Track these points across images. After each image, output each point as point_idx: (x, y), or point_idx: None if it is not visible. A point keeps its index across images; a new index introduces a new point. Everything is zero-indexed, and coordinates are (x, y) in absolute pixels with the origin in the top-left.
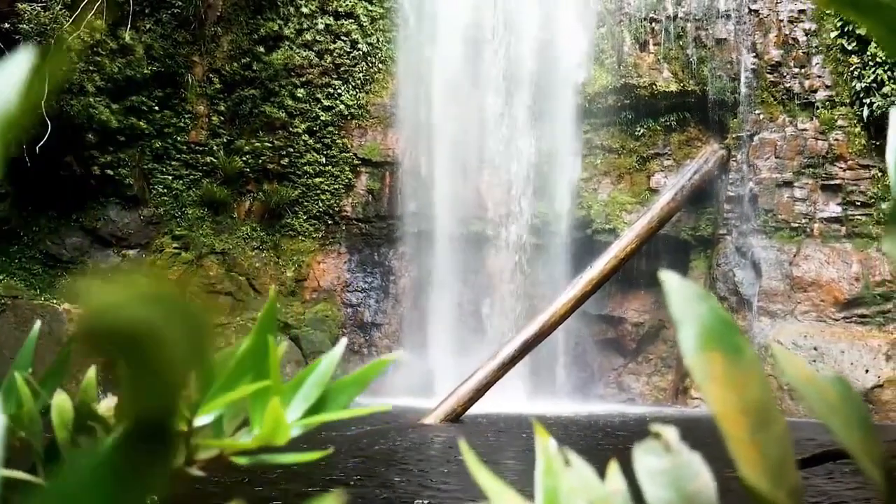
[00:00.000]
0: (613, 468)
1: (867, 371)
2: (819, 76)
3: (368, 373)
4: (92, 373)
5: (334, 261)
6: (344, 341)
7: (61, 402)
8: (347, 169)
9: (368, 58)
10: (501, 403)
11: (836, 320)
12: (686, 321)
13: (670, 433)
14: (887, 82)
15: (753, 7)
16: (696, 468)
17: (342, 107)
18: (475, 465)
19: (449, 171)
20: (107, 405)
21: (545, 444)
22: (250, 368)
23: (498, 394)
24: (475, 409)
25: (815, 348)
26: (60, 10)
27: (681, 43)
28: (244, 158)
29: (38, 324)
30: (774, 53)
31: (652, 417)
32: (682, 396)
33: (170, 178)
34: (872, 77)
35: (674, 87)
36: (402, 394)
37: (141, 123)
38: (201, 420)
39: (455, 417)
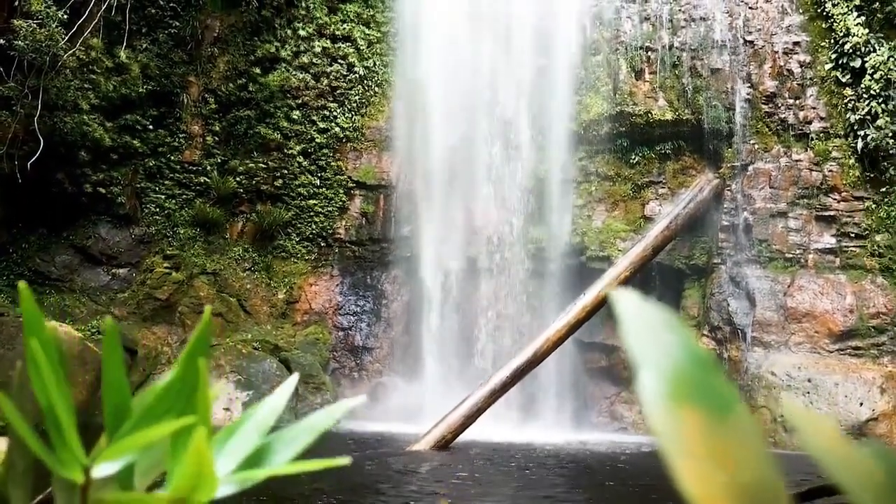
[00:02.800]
0: None
1: (861, 404)
2: (813, 108)
3: (320, 420)
4: None
5: (326, 283)
6: (294, 379)
7: None
8: (341, 191)
9: (365, 81)
10: (492, 430)
11: (831, 352)
12: (648, 361)
13: None
14: (881, 115)
15: (748, 38)
16: None
17: (337, 129)
18: None
19: (443, 196)
20: None
21: None
22: (175, 405)
23: (488, 421)
24: (465, 436)
25: (809, 380)
26: (56, 27)
27: (676, 72)
28: (238, 179)
29: None
30: (769, 84)
31: (640, 447)
32: None
33: (162, 197)
34: (866, 109)
35: (669, 116)
36: (391, 419)
37: (135, 142)
38: (103, 469)
39: (445, 444)
